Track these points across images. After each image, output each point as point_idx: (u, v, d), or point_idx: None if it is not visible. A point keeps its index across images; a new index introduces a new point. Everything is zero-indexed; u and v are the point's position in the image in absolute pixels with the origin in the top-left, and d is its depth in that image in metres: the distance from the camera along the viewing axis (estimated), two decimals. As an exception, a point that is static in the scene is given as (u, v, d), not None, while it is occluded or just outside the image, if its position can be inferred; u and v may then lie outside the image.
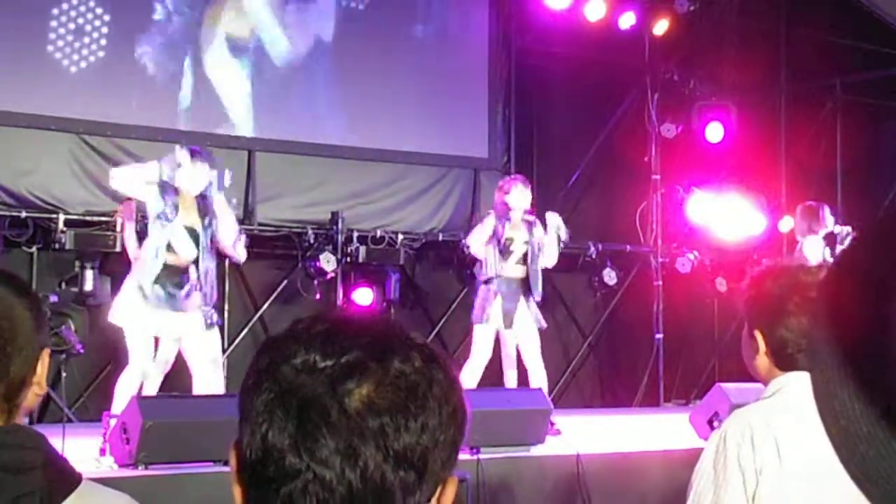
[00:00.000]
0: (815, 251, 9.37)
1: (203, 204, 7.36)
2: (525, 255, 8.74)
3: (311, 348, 1.11)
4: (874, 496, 0.78)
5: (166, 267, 7.20)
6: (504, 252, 8.68)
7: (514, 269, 8.71)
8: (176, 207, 7.21)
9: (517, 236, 8.72)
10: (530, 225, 8.80)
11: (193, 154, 7.31)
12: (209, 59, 10.65)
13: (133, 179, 7.42)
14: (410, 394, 1.10)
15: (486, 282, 8.68)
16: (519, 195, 8.69)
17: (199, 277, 7.31)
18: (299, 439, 1.07)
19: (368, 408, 1.08)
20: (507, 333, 8.69)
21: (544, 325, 8.86)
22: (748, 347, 2.63)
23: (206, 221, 7.33)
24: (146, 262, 7.21)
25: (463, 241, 9.63)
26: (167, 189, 7.23)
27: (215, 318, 8.12)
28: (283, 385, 1.09)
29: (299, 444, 1.07)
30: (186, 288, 7.27)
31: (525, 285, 8.72)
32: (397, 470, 1.08)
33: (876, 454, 0.77)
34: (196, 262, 7.32)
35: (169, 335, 7.32)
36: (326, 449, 1.07)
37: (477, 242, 8.82)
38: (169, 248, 7.21)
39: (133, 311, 7.17)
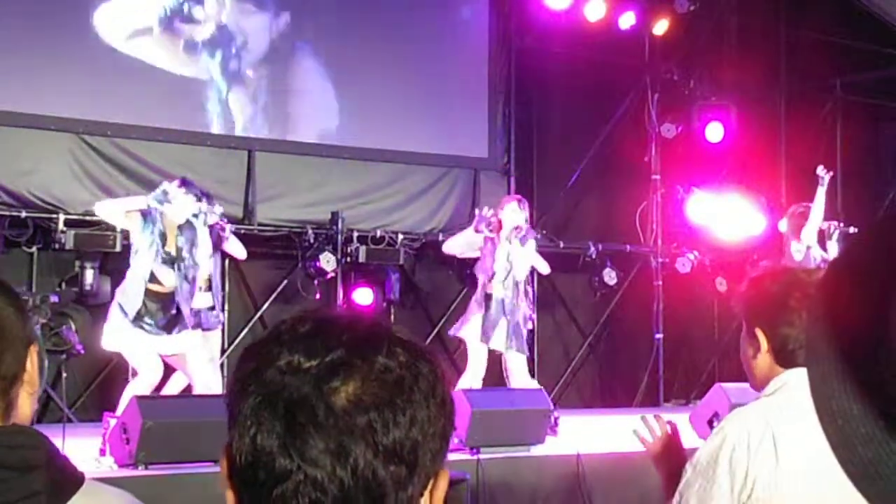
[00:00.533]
0: (799, 255, 9.36)
1: (186, 234, 7.46)
2: (509, 273, 8.68)
3: (294, 349, 1.11)
4: (872, 496, 0.78)
5: (151, 295, 7.32)
6: (490, 270, 8.66)
7: (498, 288, 8.66)
8: (161, 237, 7.31)
9: (501, 255, 8.68)
10: (519, 242, 8.73)
11: (182, 184, 7.43)
12: (211, 59, 10.67)
13: (116, 210, 7.55)
14: (396, 388, 1.10)
15: (485, 297, 8.66)
16: (511, 214, 8.66)
17: (181, 302, 7.42)
18: (288, 441, 1.07)
19: (355, 405, 1.08)
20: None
21: (526, 352, 8.79)
22: (748, 347, 2.64)
23: (187, 251, 7.44)
24: (130, 290, 7.32)
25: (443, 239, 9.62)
26: (151, 218, 7.32)
27: (221, 317, 8.20)
28: (269, 387, 1.09)
29: (288, 445, 1.07)
30: (171, 314, 7.35)
31: (505, 305, 8.64)
32: (388, 465, 1.08)
33: (874, 455, 0.77)
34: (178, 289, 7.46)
35: (166, 354, 7.38)
36: (316, 449, 1.07)
37: (453, 248, 8.94)
38: (152, 277, 7.31)
39: (122, 336, 7.29)
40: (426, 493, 1.13)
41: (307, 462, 1.07)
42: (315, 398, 1.08)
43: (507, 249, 8.63)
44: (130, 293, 7.31)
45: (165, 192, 7.37)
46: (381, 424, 1.08)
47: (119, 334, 7.30)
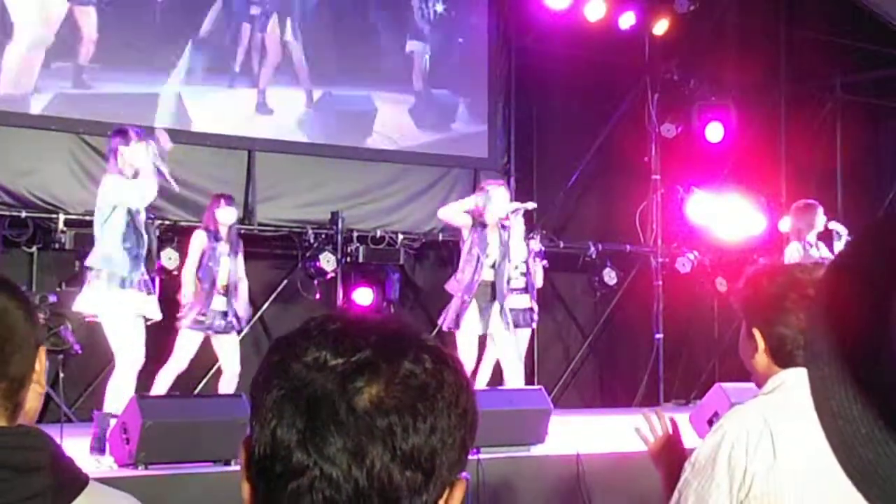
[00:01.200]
0: (796, 253, 9.34)
1: (157, 179, 7.38)
2: (504, 257, 8.68)
3: (322, 346, 1.11)
4: (872, 497, 0.78)
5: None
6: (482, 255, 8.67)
7: (488, 273, 8.67)
8: (137, 185, 7.23)
9: (492, 240, 8.69)
10: (505, 229, 8.75)
11: (136, 135, 7.35)
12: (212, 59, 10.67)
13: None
14: (420, 394, 1.10)
15: (466, 288, 8.66)
16: (501, 200, 8.68)
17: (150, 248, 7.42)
18: (307, 436, 1.07)
19: (377, 407, 1.08)
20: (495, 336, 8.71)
21: (514, 333, 8.75)
22: (746, 346, 2.64)
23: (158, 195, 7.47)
24: (115, 249, 7.18)
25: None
26: (123, 175, 7.24)
27: (235, 324, 8.22)
28: (294, 382, 1.10)
29: (307, 440, 1.07)
30: (141, 272, 7.27)
31: (507, 287, 8.67)
32: (404, 470, 1.08)
33: (874, 456, 0.77)
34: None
35: (141, 314, 7.28)
36: (334, 447, 1.07)
37: (447, 214, 9.01)
38: (136, 225, 7.23)
39: (103, 299, 7.16)
40: (441, 502, 1.13)
41: (324, 459, 1.07)
42: (338, 396, 1.08)
43: (497, 234, 8.65)
44: (114, 252, 7.16)
45: (112, 150, 7.31)
46: (400, 429, 1.08)
47: (99, 297, 7.16)
